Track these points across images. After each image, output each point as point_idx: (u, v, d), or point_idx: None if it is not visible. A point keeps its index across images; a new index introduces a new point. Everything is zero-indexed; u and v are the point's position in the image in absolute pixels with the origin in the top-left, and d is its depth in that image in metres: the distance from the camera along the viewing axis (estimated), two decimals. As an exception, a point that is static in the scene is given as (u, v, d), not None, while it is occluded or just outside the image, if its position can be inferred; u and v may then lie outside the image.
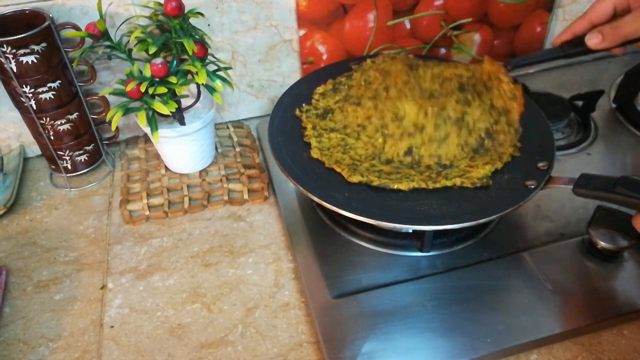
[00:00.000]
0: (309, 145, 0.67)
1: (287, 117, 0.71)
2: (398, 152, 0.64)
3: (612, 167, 0.74)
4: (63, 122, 0.73)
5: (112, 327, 0.59)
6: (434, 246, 0.63)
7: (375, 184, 0.60)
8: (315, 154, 0.65)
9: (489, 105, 0.65)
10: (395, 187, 0.60)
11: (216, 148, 0.80)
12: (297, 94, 0.74)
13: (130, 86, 0.62)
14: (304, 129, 0.69)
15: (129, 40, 0.67)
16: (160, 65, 0.62)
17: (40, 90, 0.69)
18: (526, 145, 0.65)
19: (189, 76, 0.66)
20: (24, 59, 0.66)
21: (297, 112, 0.71)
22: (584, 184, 0.56)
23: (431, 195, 0.59)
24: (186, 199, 0.73)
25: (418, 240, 0.63)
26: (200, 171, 0.77)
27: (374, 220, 0.57)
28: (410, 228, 0.58)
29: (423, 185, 0.60)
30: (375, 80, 0.69)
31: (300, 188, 0.61)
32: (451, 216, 0.57)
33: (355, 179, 0.61)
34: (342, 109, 0.70)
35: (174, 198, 0.73)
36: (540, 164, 0.61)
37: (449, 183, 0.60)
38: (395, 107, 0.65)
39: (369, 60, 0.75)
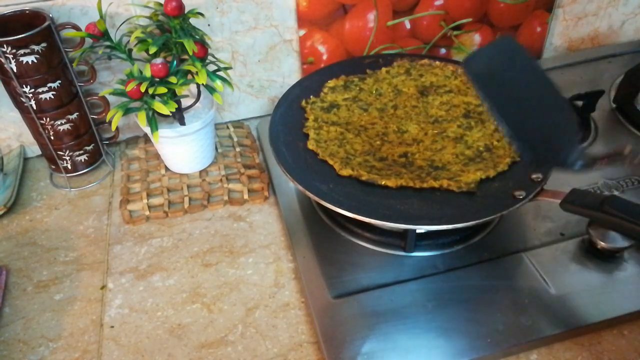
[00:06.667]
0: (307, 136, 0.68)
1: (292, 108, 0.72)
2: (394, 154, 0.65)
3: (611, 167, 0.74)
4: (63, 122, 0.73)
5: (112, 327, 0.59)
6: (427, 247, 0.63)
7: (364, 178, 0.61)
8: (311, 145, 0.66)
9: (492, 130, 0.67)
10: (383, 182, 0.60)
11: (216, 148, 0.80)
12: (307, 87, 0.76)
13: (131, 86, 0.62)
14: (305, 120, 0.70)
15: (129, 40, 0.67)
16: (160, 65, 0.62)
17: (40, 90, 0.69)
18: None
19: (189, 76, 0.66)
20: (24, 59, 0.66)
21: (304, 102, 0.73)
22: (572, 200, 0.56)
23: (416, 195, 0.59)
24: (186, 199, 0.73)
25: (402, 239, 0.63)
26: (200, 171, 0.77)
27: (349, 213, 0.57)
28: (383, 225, 0.58)
29: (411, 184, 0.60)
30: (386, 95, 0.74)
31: (287, 175, 0.62)
32: (429, 217, 0.57)
33: (346, 172, 0.62)
34: (349, 108, 0.72)
35: (174, 198, 0.73)
36: (534, 175, 0.60)
37: (436, 184, 0.60)
38: (399, 124, 0.69)
39: (384, 70, 0.78)
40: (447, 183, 0.60)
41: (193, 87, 0.73)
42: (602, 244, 0.59)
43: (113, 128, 0.67)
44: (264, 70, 0.83)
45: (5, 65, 0.66)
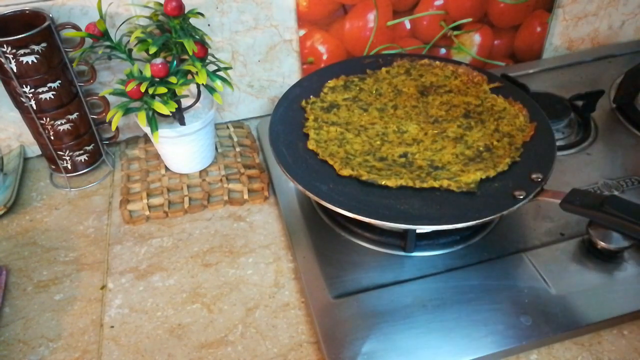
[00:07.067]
0: (307, 136, 0.68)
1: (292, 108, 0.72)
2: (394, 154, 0.65)
3: (612, 167, 0.74)
4: (63, 122, 0.73)
5: (112, 327, 0.59)
6: (427, 247, 0.63)
7: (364, 178, 0.61)
8: (311, 145, 0.66)
9: (492, 130, 0.67)
10: (383, 182, 0.60)
11: (216, 148, 0.80)
12: (307, 87, 0.76)
13: (131, 86, 0.62)
14: (305, 120, 0.70)
15: (129, 40, 0.67)
16: (160, 65, 0.62)
17: (40, 90, 0.69)
18: (525, 154, 0.64)
19: (189, 76, 0.66)
20: (24, 59, 0.66)
21: (304, 102, 0.73)
22: (572, 200, 0.56)
23: (416, 195, 0.59)
24: (186, 199, 0.73)
25: (402, 239, 0.63)
26: (200, 171, 0.77)
27: (349, 213, 0.57)
28: (383, 225, 0.58)
29: (410, 184, 0.60)
30: (386, 95, 0.74)
31: (287, 174, 0.62)
32: (428, 218, 0.57)
33: (346, 172, 0.62)
34: (349, 108, 0.72)
35: (174, 198, 0.73)
36: (534, 175, 0.60)
37: (436, 184, 0.60)
38: (399, 124, 0.69)
39: (384, 70, 0.78)
40: (447, 183, 0.60)
41: (193, 87, 0.73)
42: (602, 244, 0.59)
43: (113, 128, 0.67)
44: (264, 70, 0.83)
45: (5, 65, 0.66)
